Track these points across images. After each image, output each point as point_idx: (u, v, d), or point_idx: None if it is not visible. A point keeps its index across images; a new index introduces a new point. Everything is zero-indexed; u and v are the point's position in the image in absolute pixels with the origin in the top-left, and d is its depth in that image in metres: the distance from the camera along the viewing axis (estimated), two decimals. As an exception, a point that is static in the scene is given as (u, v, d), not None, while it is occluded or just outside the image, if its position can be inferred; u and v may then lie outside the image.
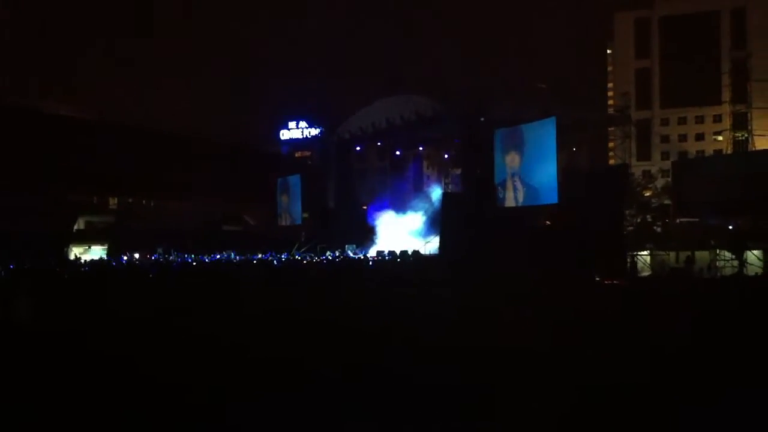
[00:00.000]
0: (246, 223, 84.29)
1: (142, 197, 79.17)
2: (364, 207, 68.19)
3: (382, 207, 64.66)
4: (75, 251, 62.28)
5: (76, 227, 67.52)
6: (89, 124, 72.35)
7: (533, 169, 48.82)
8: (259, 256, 56.66)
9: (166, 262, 53.62)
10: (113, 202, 77.02)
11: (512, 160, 50.77)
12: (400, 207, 63.68)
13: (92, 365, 15.90)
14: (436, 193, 64.02)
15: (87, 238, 66.01)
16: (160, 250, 57.70)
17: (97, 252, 62.21)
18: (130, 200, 78.02)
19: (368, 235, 62.91)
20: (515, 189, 50.53)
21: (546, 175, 47.76)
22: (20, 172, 58.94)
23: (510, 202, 50.83)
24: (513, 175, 50.78)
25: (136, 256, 56.23)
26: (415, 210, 62.74)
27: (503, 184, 51.48)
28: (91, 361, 16.39)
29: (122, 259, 54.88)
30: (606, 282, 40.54)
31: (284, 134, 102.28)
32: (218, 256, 56.02)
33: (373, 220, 64.00)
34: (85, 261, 54.99)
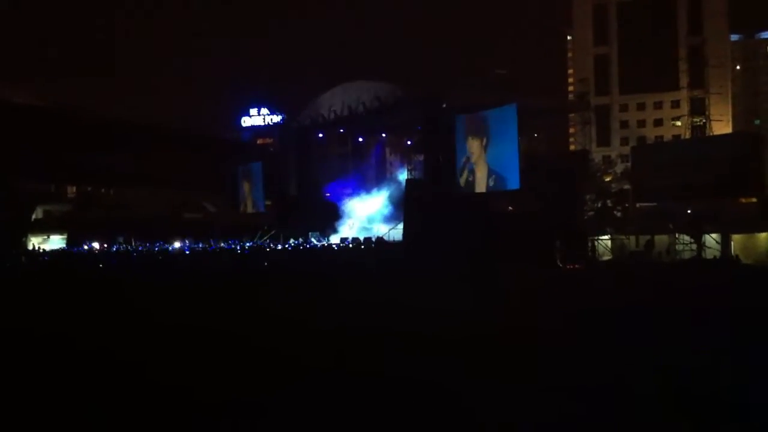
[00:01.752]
0: (206, 210, 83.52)
1: (101, 186, 77.93)
2: (327, 194, 67.93)
3: (345, 194, 64.50)
4: (33, 241, 61.18)
5: (34, 216, 66.32)
6: (44, 111, 70.86)
7: (495, 155, 49.07)
8: (221, 244, 56.19)
9: (127, 252, 53.02)
10: (71, 190, 75.76)
11: (474, 146, 50.97)
12: (363, 193, 63.59)
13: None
14: (400, 178, 64.06)
15: (45, 228, 64.86)
16: (120, 240, 56.94)
17: (56, 242, 61.19)
18: (89, 189, 76.84)
19: (331, 222, 62.69)
20: (477, 175, 50.75)
21: (508, 161, 48.06)
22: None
23: (472, 188, 51.05)
24: (475, 161, 50.99)
25: (95, 245, 55.43)
26: (379, 196, 62.69)
27: (465, 170, 51.69)
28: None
29: (82, 249, 54.14)
30: (568, 267, 41.04)
31: (245, 121, 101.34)
32: (178, 246, 55.48)
33: (336, 207, 63.81)
34: (44, 250, 54.18)
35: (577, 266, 41.01)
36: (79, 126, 66.50)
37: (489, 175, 49.57)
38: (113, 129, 71.13)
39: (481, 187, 50.46)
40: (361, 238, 54.77)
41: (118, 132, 70.88)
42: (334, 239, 58.33)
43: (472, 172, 51.17)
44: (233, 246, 54.95)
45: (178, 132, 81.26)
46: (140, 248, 54.61)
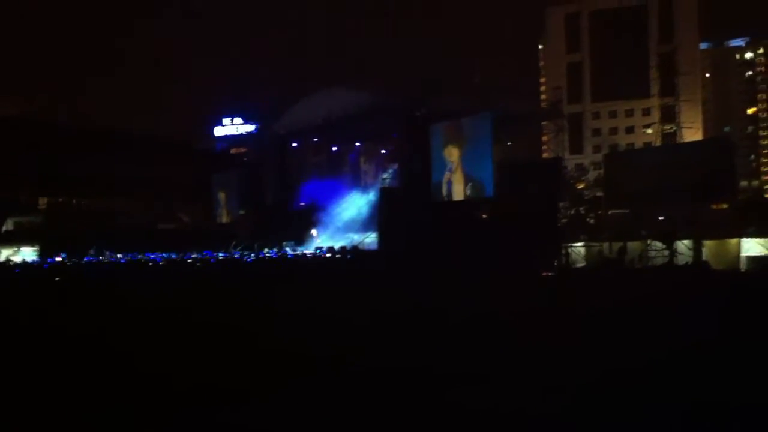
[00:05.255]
0: (180, 220, 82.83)
1: (72, 196, 76.93)
2: (302, 203, 67.70)
3: (319, 203, 64.29)
4: (4, 253, 60.30)
5: (4, 228, 65.37)
6: (11, 120, 69.83)
7: (470, 163, 49.27)
8: (194, 255, 55.72)
9: (101, 263, 52.54)
10: (42, 202, 74.69)
11: (450, 154, 51.18)
12: (338, 203, 63.42)
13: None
14: (374, 187, 63.98)
15: (16, 240, 63.89)
16: (92, 252, 56.24)
17: (27, 254, 60.31)
18: (60, 200, 75.84)
19: (307, 231, 62.47)
20: (455, 183, 50.94)
21: (483, 169, 48.31)
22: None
23: (450, 196, 51.22)
24: (450, 169, 51.17)
25: (59, 258, 54.72)
26: (354, 205, 62.54)
27: (440, 178, 51.85)
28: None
29: (55, 260, 53.47)
30: (543, 274, 41.31)
31: (219, 131, 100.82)
32: (152, 256, 54.92)
33: (311, 216, 63.56)
34: (15, 263, 53.47)
35: (550, 273, 41.30)
36: (50, 134, 65.78)
37: (466, 183, 49.78)
38: (83, 137, 70.37)
39: (458, 195, 50.64)
40: (336, 247, 54.59)
41: (90, 140, 70.10)
42: (310, 248, 58.10)
43: (448, 180, 51.35)
44: (206, 257, 54.56)
45: (152, 141, 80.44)
46: (112, 259, 54.09)
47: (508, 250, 40.40)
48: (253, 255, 54.83)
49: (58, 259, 53.99)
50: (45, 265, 51.99)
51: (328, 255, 52.31)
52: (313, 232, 61.88)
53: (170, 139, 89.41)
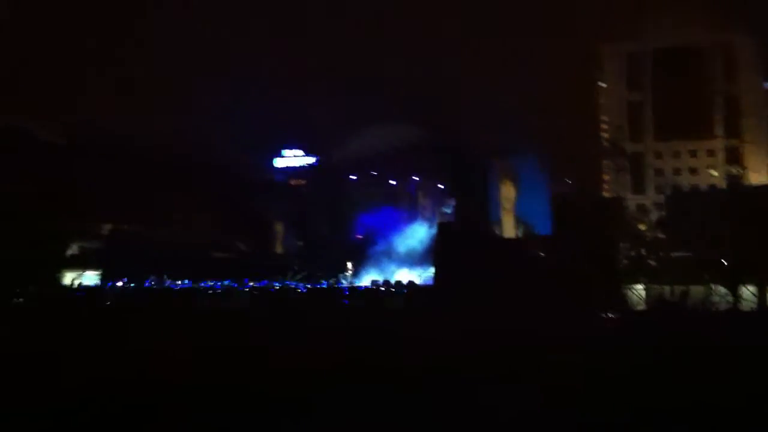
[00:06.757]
0: (238, 249, 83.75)
1: (135, 223, 78.48)
2: (359, 237, 67.99)
3: (376, 236, 64.47)
4: (69, 276, 61.93)
5: (70, 252, 67.05)
6: (75, 149, 71.81)
7: (525, 201, 49.06)
8: (251, 284, 56.43)
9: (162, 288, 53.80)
10: (106, 228, 76.34)
11: (507, 191, 51.02)
12: (395, 237, 63.49)
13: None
14: (433, 221, 63.95)
15: (80, 264, 65.51)
16: (152, 278, 57.54)
17: (90, 277, 61.86)
18: (125, 227, 77.38)
19: (363, 264, 62.65)
20: (505, 222, 50.71)
21: (540, 206, 48.00)
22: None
23: (505, 233, 50.95)
24: (507, 205, 50.99)
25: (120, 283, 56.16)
26: (416, 236, 62.52)
27: (497, 215, 51.65)
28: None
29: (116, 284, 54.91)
30: (601, 315, 40.52)
31: (279, 162, 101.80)
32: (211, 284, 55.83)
33: (368, 249, 63.74)
34: (80, 285, 55.06)
35: (611, 315, 40.52)
36: (112, 164, 67.49)
37: (517, 225, 49.60)
38: (144, 166, 71.93)
39: (509, 234, 50.39)
40: (392, 281, 54.58)
41: (149, 169, 71.62)
42: (365, 281, 58.22)
43: (505, 216, 51.14)
44: (264, 285, 55.21)
45: (212, 171, 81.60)
46: (172, 286, 55.22)
47: (565, 290, 39.89)
48: (309, 285, 55.24)
49: (119, 283, 55.26)
50: (105, 288, 53.26)
51: (382, 288, 52.37)
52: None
53: (229, 169, 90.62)
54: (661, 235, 56.84)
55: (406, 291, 50.46)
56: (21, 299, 46.16)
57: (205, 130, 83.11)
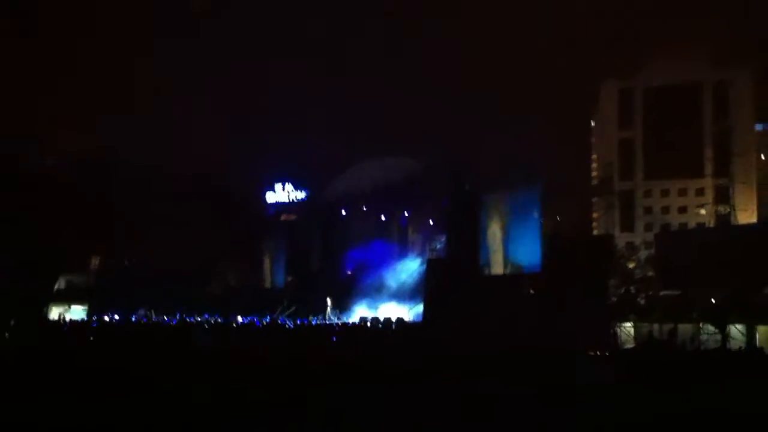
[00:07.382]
0: (227, 283, 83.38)
1: (123, 257, 78.18)
2: (349, 272, 67.84)
3: (366, 272, 64.35)
4: (55, 310, 61.56)
5: (56, 287, 66.72)
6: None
7: (518, 235, 48.89)
8: (240, 319, 56.07)
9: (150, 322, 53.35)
10: (93, 261, 75.99)
11: (497, 226, 50.87)
12: (385, 272, 63.39)
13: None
14: (422, 257, 63.88)
15: (67, 298, 65.18)
16: (141, 312, 57.17)
17: (77, 312, 61.51)
18: (112, 260, 77.04)
19: (351, 299, 62.44)
20: (494, 259, 50.51)
21: (530, 242, 47.86)
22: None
23: (495, 269, 50.71)
24: (498, 241, 50.81)
25: (116, 317, 55.59)
26: (406, 271, 62.44)
27: (488, 251, 51.44)
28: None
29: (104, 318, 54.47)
30: (590, 353, 40.24)
31: (270, 197, 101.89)
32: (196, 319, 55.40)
33: (357, 284, 63.59)
34: (69, 320, 54.62)
35: (599, 353, 40.26)
36: (99, 196, 67.49)
37: (505, 264, 49.42)
38: (132, 198, 71.84)
39: (497, 270, 50.19)
40: (381, 318, 54.29)
41: (137, 201, 71.49)
42: (354, 317, 57.94)
43: (495, 252, 50.95)
44: (250, 321, 54.84)
45: (202, 205, 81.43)
46: (160, 320, 54.80)
47: (554, 327, 39.74)
48: (299, 321, 54.94)
49: (106, 318, 54.86)
50: (93, 324, 52.81)
51: (368, 325, 52.04)
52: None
53: (221, 203, 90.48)
54: (650, 273, 56.85)
55: (393, 328, 50.19)
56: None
57: (198, 161, 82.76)
